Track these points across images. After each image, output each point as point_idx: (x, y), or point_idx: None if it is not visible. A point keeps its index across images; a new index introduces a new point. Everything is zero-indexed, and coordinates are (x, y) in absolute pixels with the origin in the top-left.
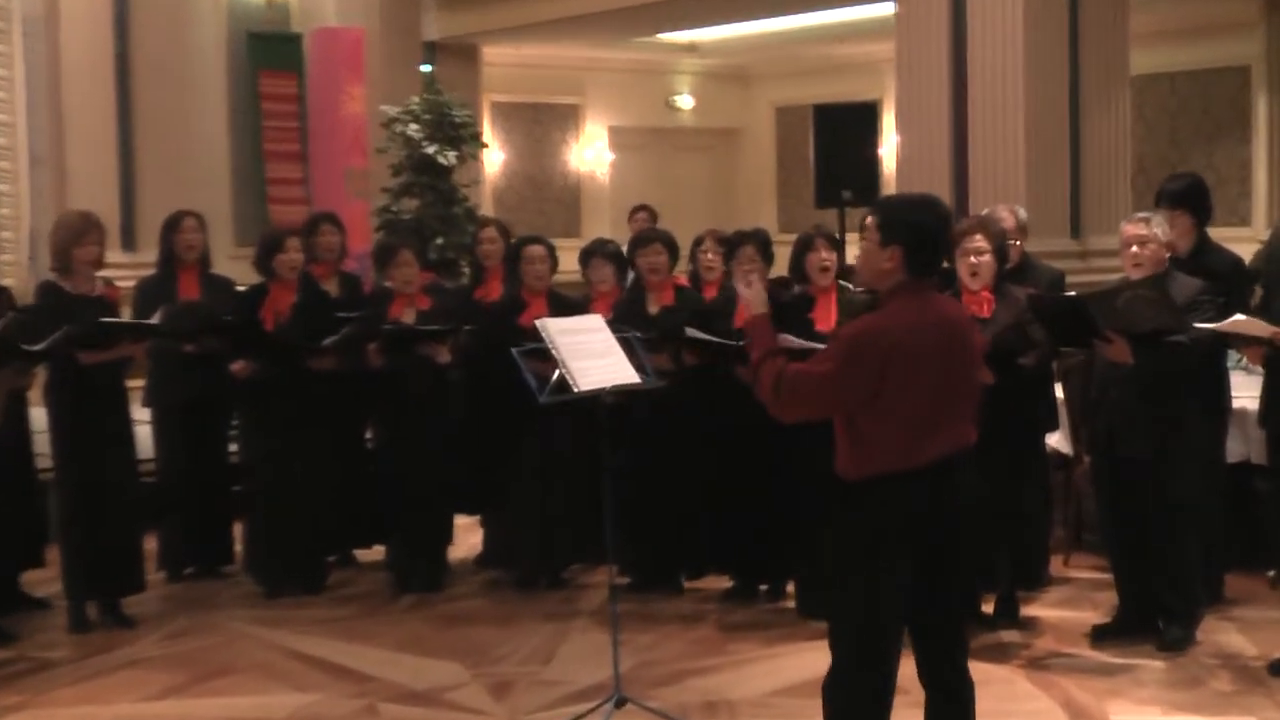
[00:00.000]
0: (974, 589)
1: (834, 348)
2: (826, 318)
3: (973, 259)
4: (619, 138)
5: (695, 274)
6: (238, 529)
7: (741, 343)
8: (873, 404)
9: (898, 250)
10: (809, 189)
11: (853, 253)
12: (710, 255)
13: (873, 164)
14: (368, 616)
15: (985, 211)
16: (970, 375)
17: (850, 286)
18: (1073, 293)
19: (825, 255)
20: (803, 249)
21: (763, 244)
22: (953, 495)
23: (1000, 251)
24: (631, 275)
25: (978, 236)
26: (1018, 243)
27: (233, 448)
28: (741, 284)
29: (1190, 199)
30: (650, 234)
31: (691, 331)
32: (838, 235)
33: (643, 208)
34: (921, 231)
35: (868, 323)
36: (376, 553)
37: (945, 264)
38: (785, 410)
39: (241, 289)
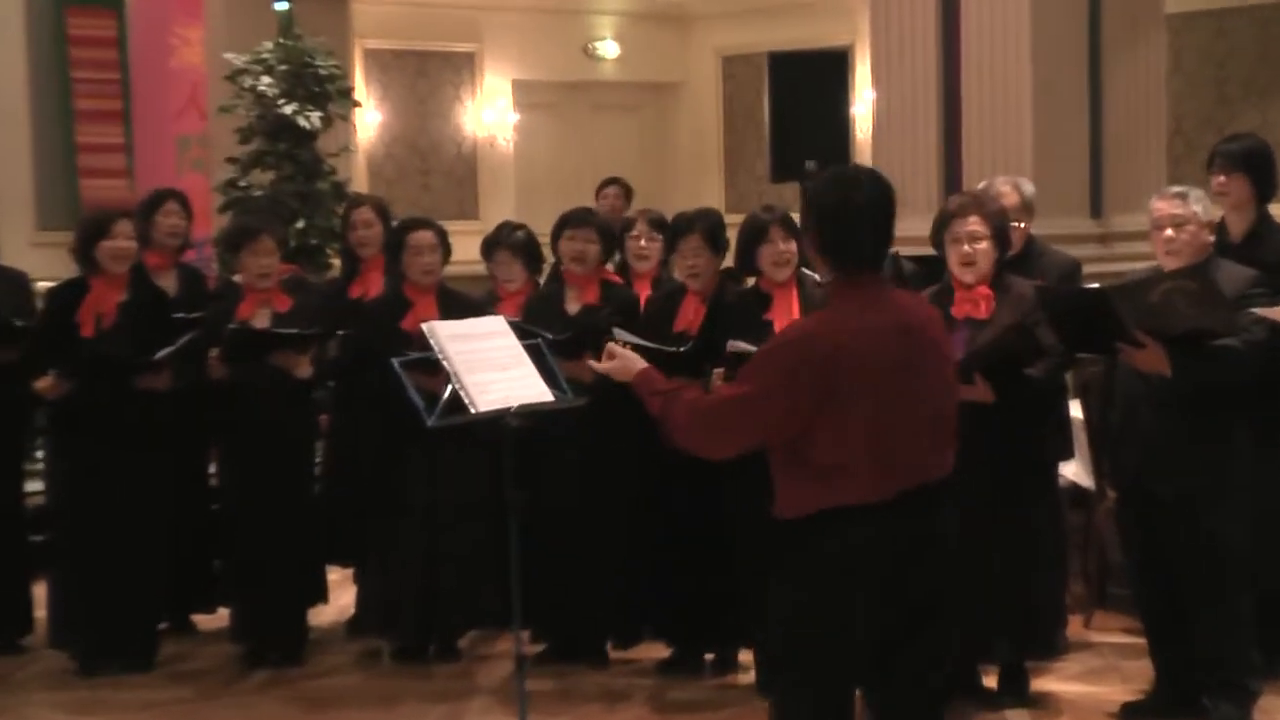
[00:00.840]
0: (958, 656)
1: (758, 362)
2: (788, 317)
3: (965, 247)
4: (525, 94)
5: (624, 264)
6: (39, 590)
7: (683, 348)
8: (813, 427)
9: (814, 238)
10: (763, 159)
11: None
12: (643, 242)
13: (843, 127)
14: (210, 699)
15: (981, 186)
16: (941, 389)
17: (815, 276)
18: (1093, 285)
19: (783, 246)
20: (754, 237)
21: (710, 231)
22: (922, 538)
23: (1000, 236)
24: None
25: (971, 219)
26: (1022, 225)
27: (34, 486)
28: (598, 364)
29: (1252, 163)
30: (581, 215)
31: (621, 333)
32: (798, 217)
33: (613, 181)
34: (826, 214)
35: (799, 329)
36: (220, 618)
37: (896, 253)
38: (711, 445)
39: (50, 284)
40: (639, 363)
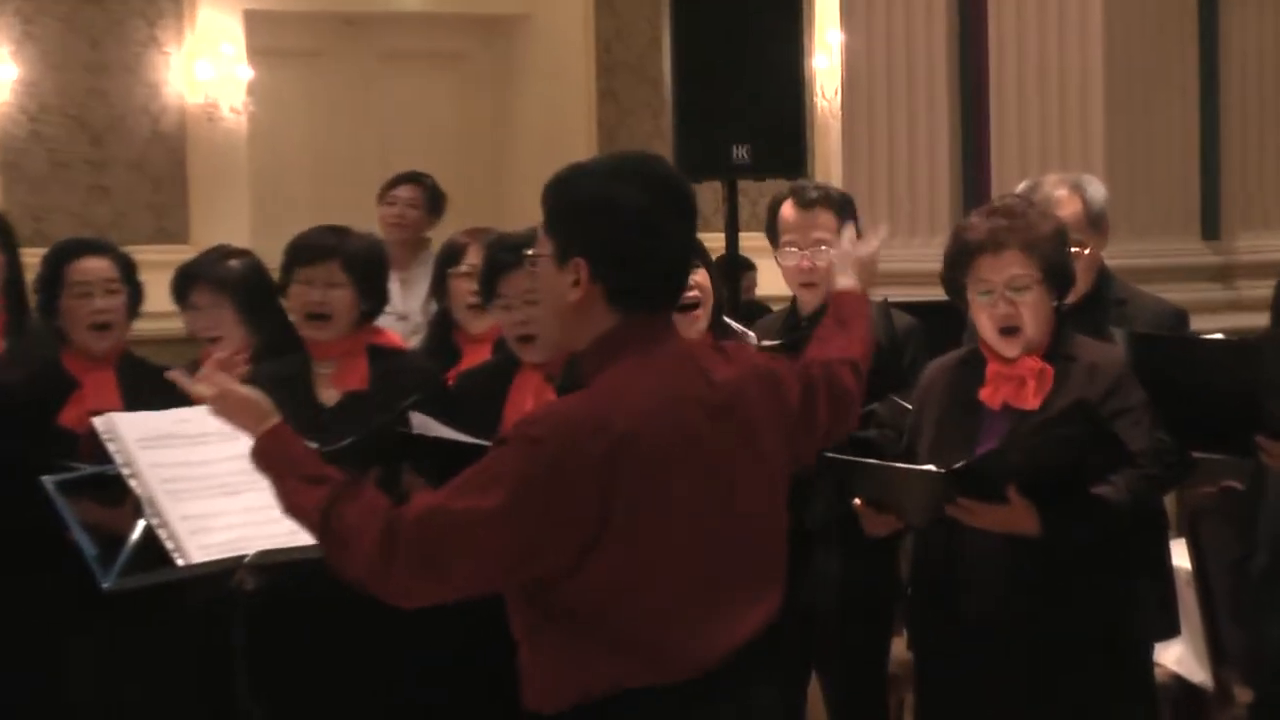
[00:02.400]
0: None
1: (500, 460)
2: None
3: (1002, 305)
4: (266, 34)
5: (443, 318)
6: None
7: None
8: (583, 565)
9: (582, 266)
10: (663, 141)
11: (766, 271)
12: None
13: (791, 91)
14: None
15: (1022, 189)
16: (761, 503)
17: (748, 332)
18: (1216, 335)
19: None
20: None
21: None
22: None
23: (1057, 275)
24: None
25: (1009, 256)
26: (1087, 250)
27: None
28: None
29: None
30: (319, 243)
31: (424, 420)
32: (724, 233)
33: (408, 180)
34: (619, 222)
35: (564, 411)
36: None
37: (884, 301)
38: (411, 581)
39: None
40: (265, 409)
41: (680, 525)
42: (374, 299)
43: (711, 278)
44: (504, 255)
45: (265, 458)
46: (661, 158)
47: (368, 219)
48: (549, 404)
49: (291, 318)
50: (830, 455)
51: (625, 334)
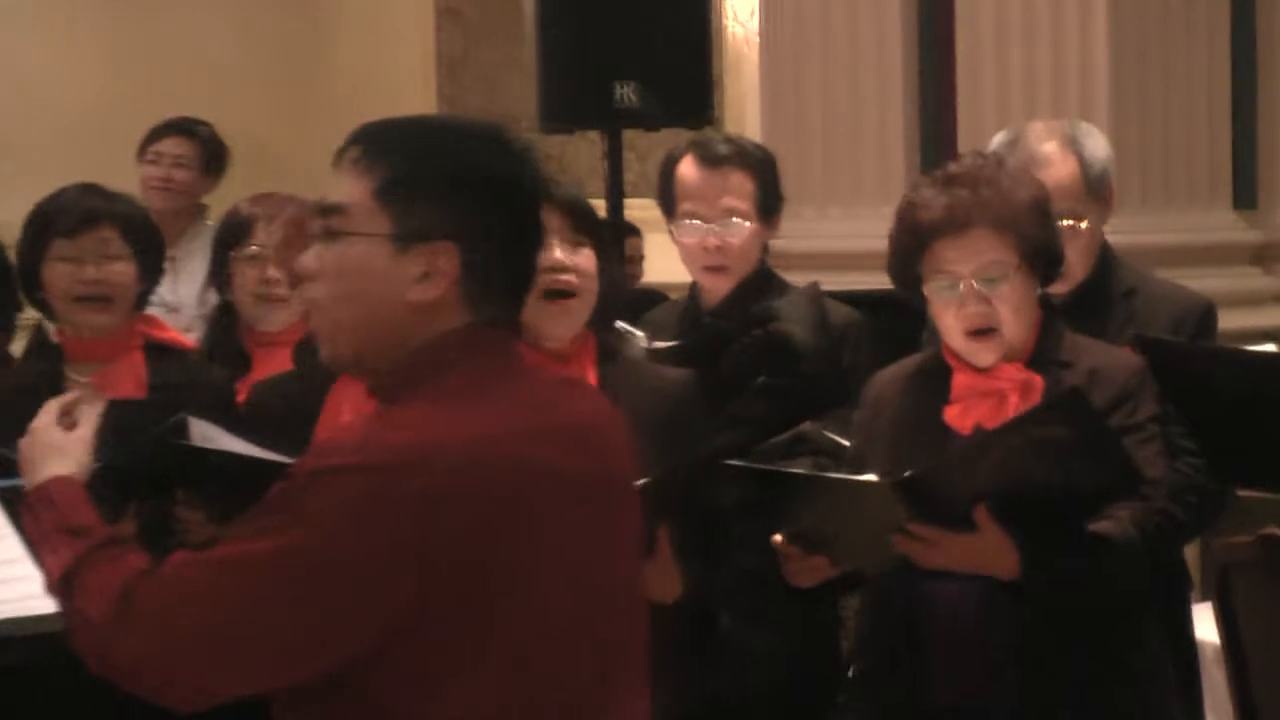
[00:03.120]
0: None
1: (284, 497)
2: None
3: (970, 303)
4: None
5: (222, 313)
6: None
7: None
8: (393, 655)
9: (447, 254)
10: (523, 75)
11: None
12: (271, 270)
13: (695, 13)
14: None
15: (999, 141)
16: (627, 570)
17: (635, 332)
18: (1269, 346)
19: (559, 255)
20: None
21: None
22: None
23: (1041, 257)
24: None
25: (977, 234)
26: (1084, 223)
27: None
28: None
29: None
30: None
31: (208, 435)
32: (604, 200)
33: (177, 128)
34: (513, 202)
35: (382, 434)
36: None
37: (814, 287)
38: (138, 665)
39: None
40: (70, 461)
41: (554, 600)
42: (153, 276)
43: (602, 258)
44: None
45: (30, 511)
46: (496, 126)
47: (128, 184)
48: (354, 423)
49: (55, 306)
50: (736, 465)
51: (470, 341)
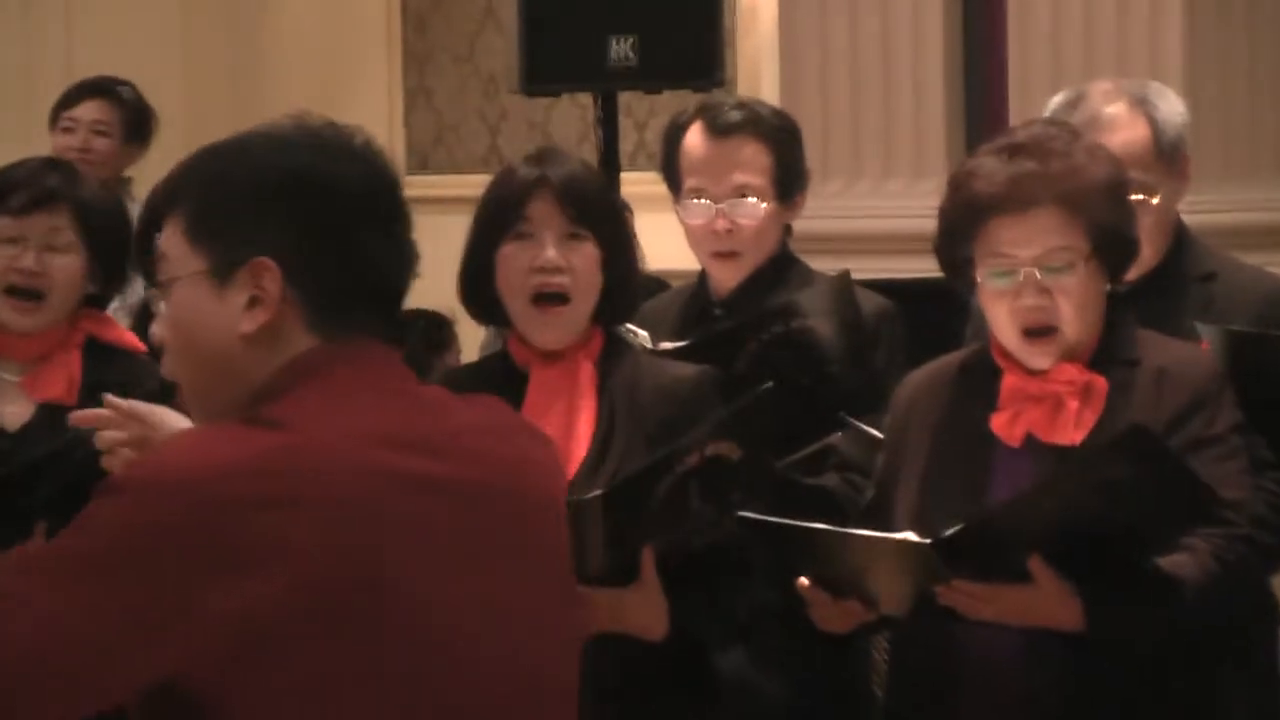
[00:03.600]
0: None
1: (99, 505)
2: (555, 418)
3: (1036, 279)
4: None
5: (147, 312)
6: None
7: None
8: (255, 661)
9: (268, 272)
10: (501, 32)
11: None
12: None
13: None
14: None
15: (1059, 103)
16: (549, 626)
17: (637, 331)
18: None
19: (550, 253)
20: (495, 231)
21: None
22: None
23: (1112, 243)
24: None
25: (1037, 215)
26: (1156, 199)
27: None
28: None
29: None
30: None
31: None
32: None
33: (97, 89)
34: (334, 205)
35: (192, 449)
36: None
37: (845, 275)
38: None
39: None
40: None
41: (438, 615)
42: (107, 276)
43: (605, 252)
44: None
45: None
46: (345, 126)
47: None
48: (176, 438)
49: None
50: (749, 517)
51: (327, 354)
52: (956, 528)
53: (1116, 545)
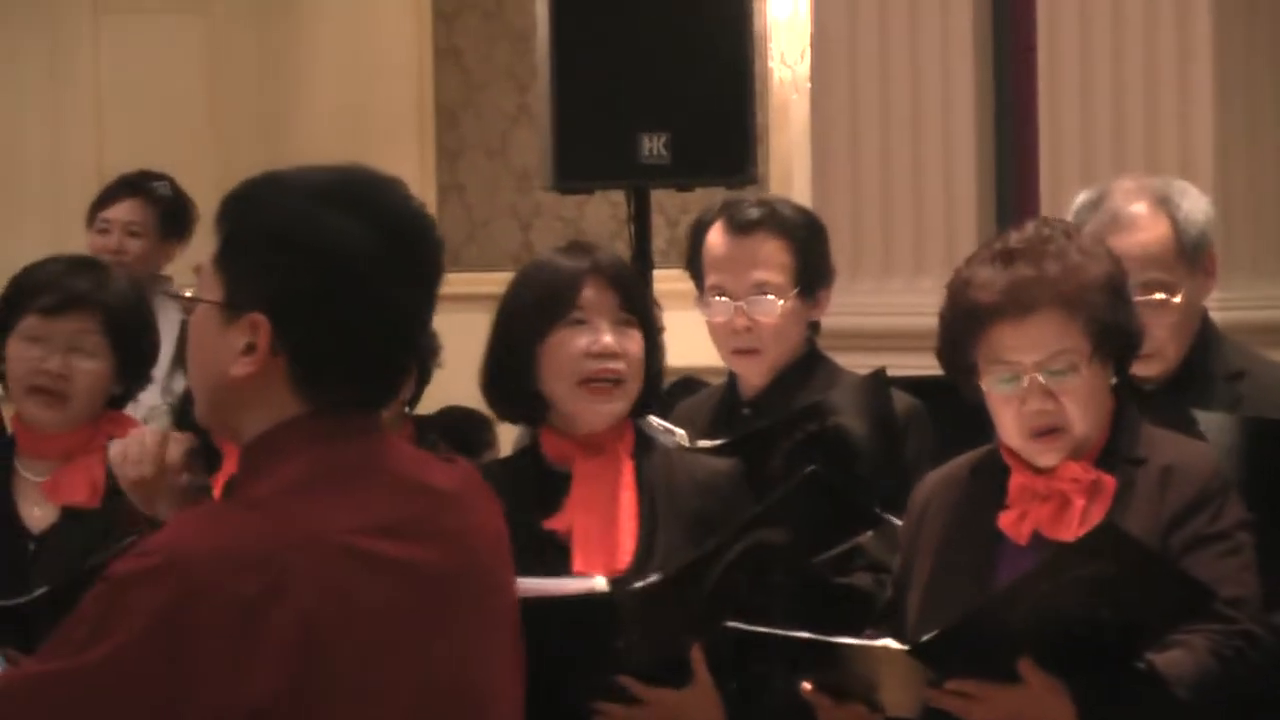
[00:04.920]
0: None
1: (93, 603)
2: (600, 512)
3: (1040, 383)
4: None
5: (186, 407)
6: None
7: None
8: None
9: (260, 326)
10: (533, 125)
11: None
12: None
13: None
14: None
15: (1083, 201)
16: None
17: (675, 430)
18: None
19: (607, 339)
20: (540, 320)
21: None
22: None
23: (1116, 339)
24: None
25: (1040, 318)
26: (1178, 298)
27: None
28: None
29: None
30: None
31: None
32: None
33: (132, 187)
34: (328, 267)
35: (201, 532)
36: None
37: (880, 373)
38: None
39: None
40: None
41: (396, 699)
42: (131, 377)
43: (649, 342)
44: None
45: None
46: (395, 182)
47: (74, 249)
48: (179, 519)
49: (8, 389)
50: (737, 627)
51: (308, 429)
52: (933, 633)
53: (1108, 641)
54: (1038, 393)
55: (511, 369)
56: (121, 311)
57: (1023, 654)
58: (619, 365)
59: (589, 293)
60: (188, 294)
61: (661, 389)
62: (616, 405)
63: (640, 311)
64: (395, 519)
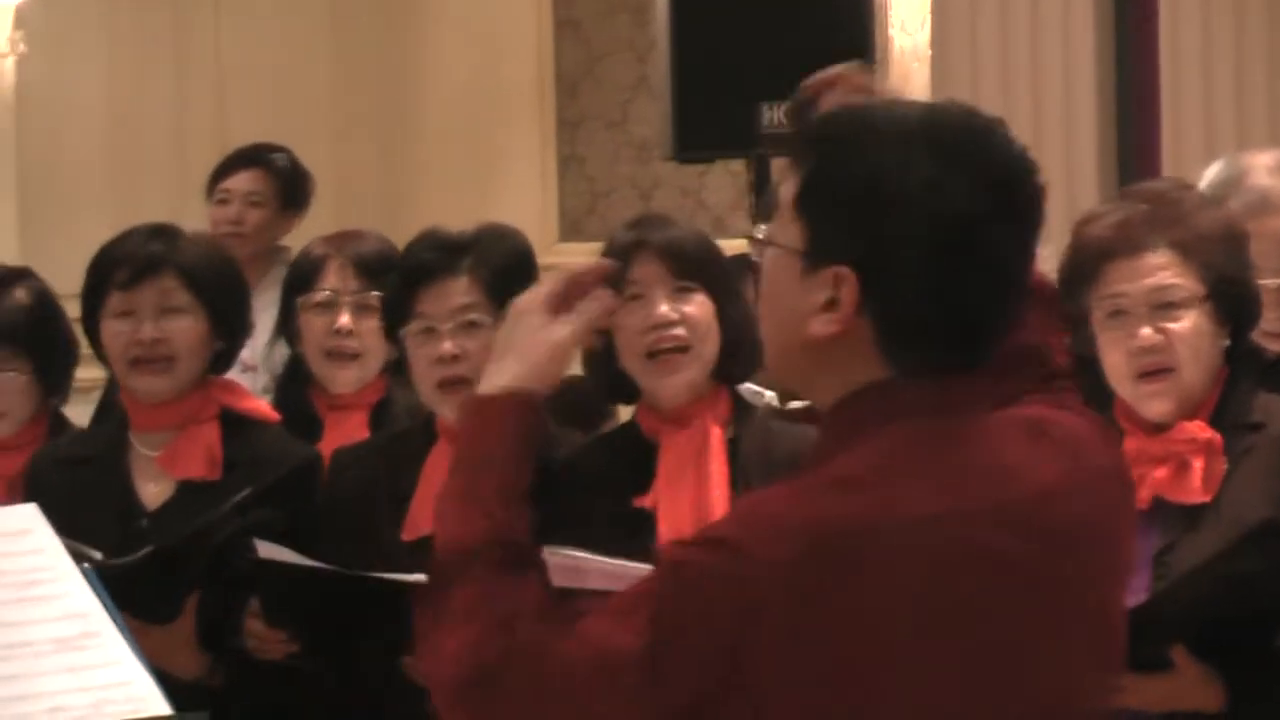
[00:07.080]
0: None
1: (661, 582)
2: (688, 486)
3: (1142, 331)
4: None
5: (292, 371)
6: None
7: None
8: None
9: (847, 281)
10: (651, 97)
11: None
12: (344, 318)
13: (856, 22)
14: None
15: (1215, 173)
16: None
17: (764, 392)
18: None
19: (664, 309)
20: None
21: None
22: None
23: (1226, 290)
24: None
25: (1152, 253)
26: None
27: None
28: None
29: None
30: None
31: (270, 550)
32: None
33: (251, 159)
34: (936, 230)
35: (786, 507)
36: None
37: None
38: None
39: None
40: (525, 378)
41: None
42: (231, 333)
43: (719, 304)
44: (430, 255)
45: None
46: (995, 122)
47: (195, 221)
48: (754, 496)
49: (113, 369)
50: None
51: (900, 398)
52: None
53: (1247, 627)
54: (1146, 325)
55: (596, 351)
56: (200, 266)
57: (1175, 643)
58: (679, 331)
59: (640, 268)
60: (760, 235)
61: (751, 351)
62: (686, 374)
63: (702, 278)
64: (990, 504)
